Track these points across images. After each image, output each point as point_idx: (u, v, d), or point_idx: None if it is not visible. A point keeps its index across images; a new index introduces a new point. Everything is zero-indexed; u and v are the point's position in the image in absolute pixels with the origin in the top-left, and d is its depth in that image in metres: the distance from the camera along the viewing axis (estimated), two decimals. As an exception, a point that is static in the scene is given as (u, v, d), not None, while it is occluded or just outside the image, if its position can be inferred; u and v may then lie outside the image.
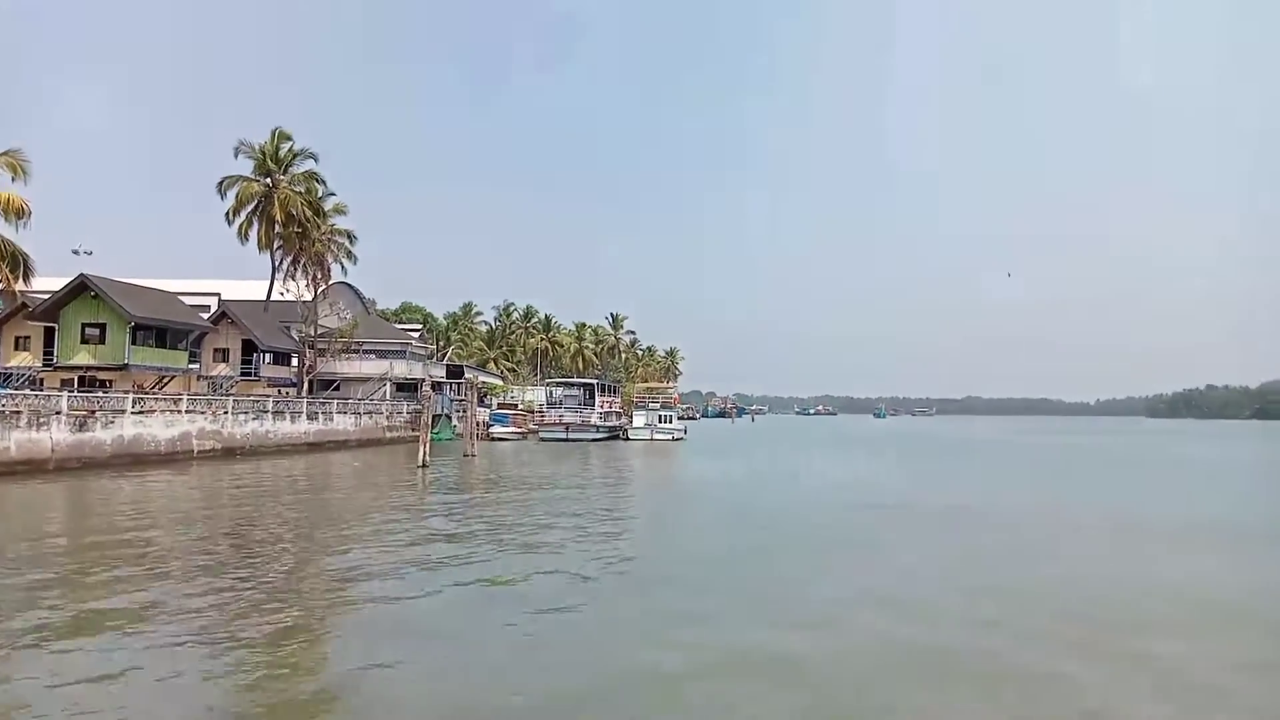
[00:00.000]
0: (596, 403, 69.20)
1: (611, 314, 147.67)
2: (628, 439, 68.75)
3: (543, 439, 64.63)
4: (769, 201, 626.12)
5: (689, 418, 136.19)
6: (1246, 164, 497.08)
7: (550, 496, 27.42)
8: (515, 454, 50.64)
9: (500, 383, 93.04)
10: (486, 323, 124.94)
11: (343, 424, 53.63)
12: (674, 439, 68.83)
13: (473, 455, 43.79)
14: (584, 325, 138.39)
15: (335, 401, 54.40)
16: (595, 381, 74.59)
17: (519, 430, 68.43)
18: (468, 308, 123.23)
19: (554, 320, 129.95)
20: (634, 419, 71.79)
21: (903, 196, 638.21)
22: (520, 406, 77.25)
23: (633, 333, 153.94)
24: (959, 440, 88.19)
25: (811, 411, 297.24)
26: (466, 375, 71.35)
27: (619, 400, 79.07)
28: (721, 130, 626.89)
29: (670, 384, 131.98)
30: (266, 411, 45.71)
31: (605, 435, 67.41)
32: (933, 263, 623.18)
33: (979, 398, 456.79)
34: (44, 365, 45.19)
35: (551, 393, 72.19)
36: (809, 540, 19.66)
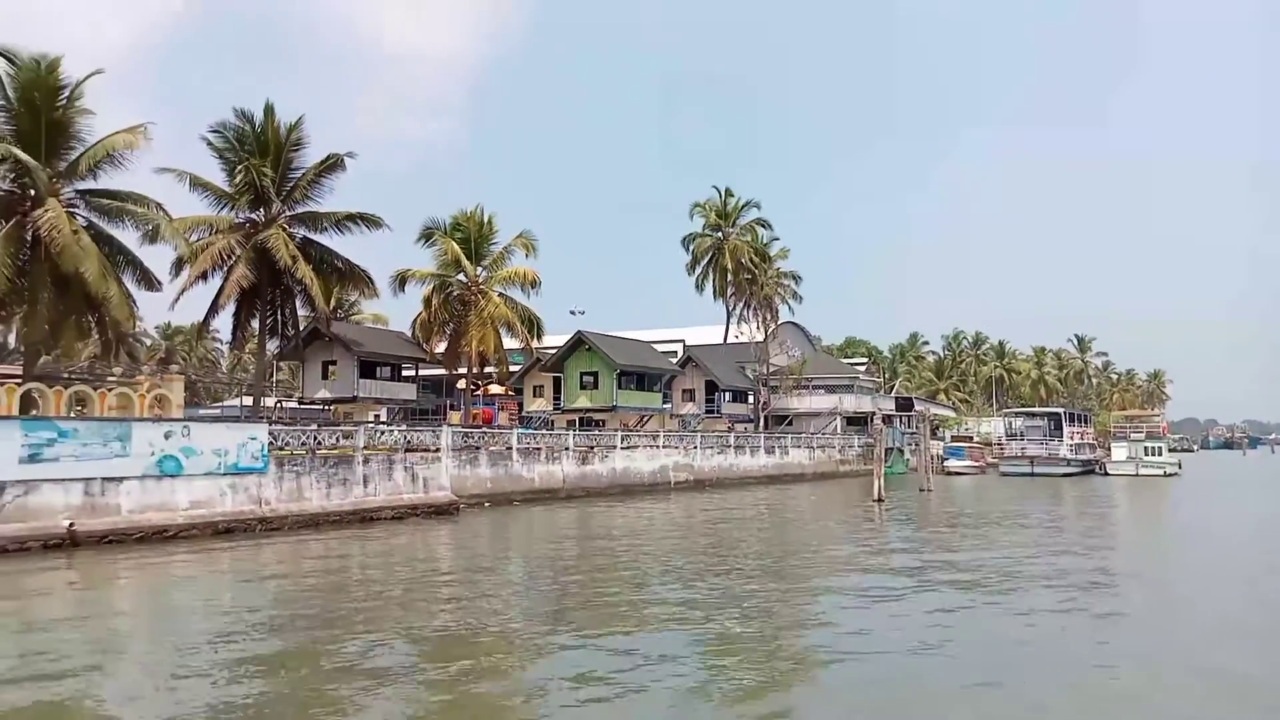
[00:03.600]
0: (1065, 433, 62.95)
1: (1076, 335, 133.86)
2: (1106, 474, 61.49)
3: (1004, 473, 60.44)
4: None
5: (1183, 449, 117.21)
6: None
7: (1021, 536, 25.62)
8: (975, 489, 48.11)
9: (953, 414, 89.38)
10: (934, 352, 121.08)
11: (797, 458, 55.67)
12: (1165, 474, 59.87)
13: (929, 490, 42.55)
14: (1043, 350, 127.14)
15: (789, 436, 56.78)
16: (1062, 410, 68.00)
17: (976, 464, 64.89)
18: (914, 338, 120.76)
19: (1008, 345, 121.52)
20: (1113, 451, 64.00)
21: None
22: (976, 439, 73.40)
23: (1104, 354, 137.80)
24: None
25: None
26: (917, 407, 69.73)
27: (1091, 430, 71.04)
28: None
29: (1155, 410, 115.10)
30: (729, 446, 49.29)
31: (1078, 470, 60.99)
32: None
33: None
34: (554, 409, 53.98)
35: (1010, 423, 67.30)
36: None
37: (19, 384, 24.08)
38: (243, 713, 8.94)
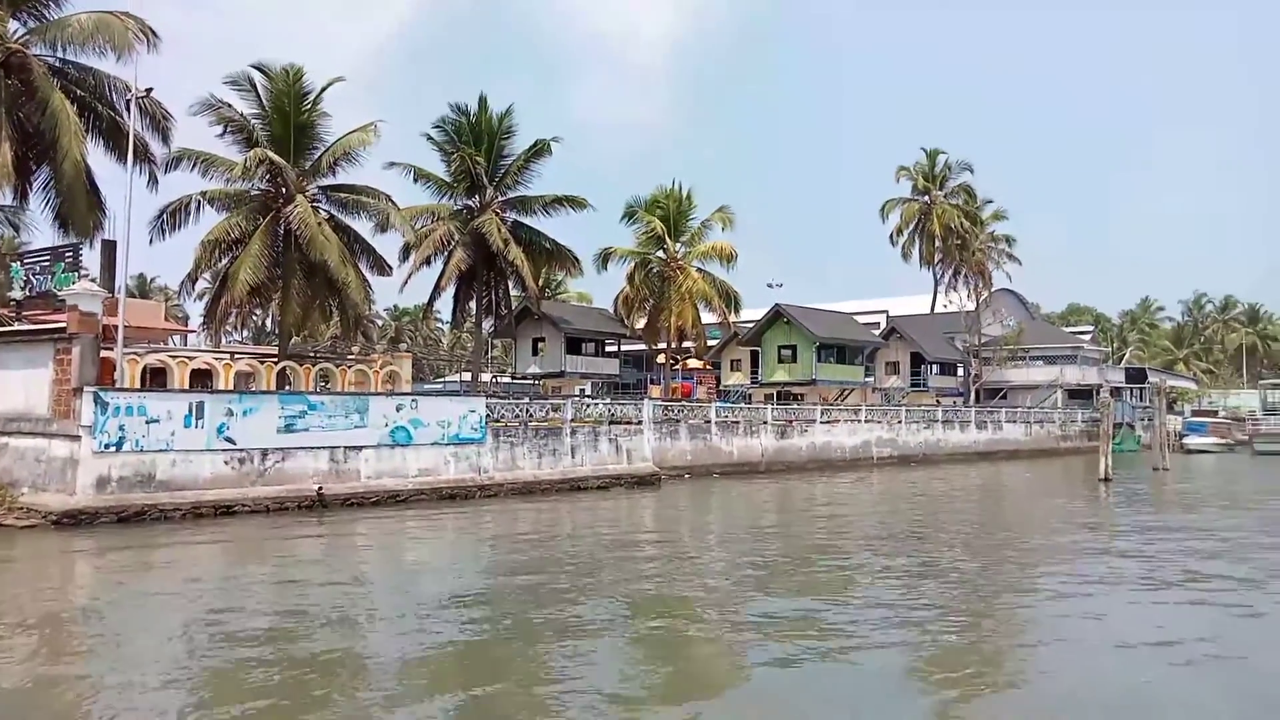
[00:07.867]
0: (1336, 408, 55.50)
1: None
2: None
3: (1259, 452, 54.07)
4: None
5: None
6: None
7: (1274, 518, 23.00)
8: (1220, 469, 43.59)
9: (1193, 386, 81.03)
10: (1171, 319, 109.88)
11: (1013, 433, 52.54)
12: None
13: (1164, 469, 38.95)
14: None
15: (1004, 410, 53.63)
16: (1331, 382, 59.95)
17: (1222, 441, 58.56)
18: (1146, 304, 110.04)
19: (1262, 309, 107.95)
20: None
21: None
22: (1222, 414, 66.31)
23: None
24: None
25: None
26: (1151, 379, 63.82)
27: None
28: None
29: None
30: (937, 421, 47.29)
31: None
32: None
33: None
34: (751, 383, 53.98)
35: (1268, 396, 60.20)
36: None
37: (276, 363, 27.20)
38: (467, 652, 9.90)
